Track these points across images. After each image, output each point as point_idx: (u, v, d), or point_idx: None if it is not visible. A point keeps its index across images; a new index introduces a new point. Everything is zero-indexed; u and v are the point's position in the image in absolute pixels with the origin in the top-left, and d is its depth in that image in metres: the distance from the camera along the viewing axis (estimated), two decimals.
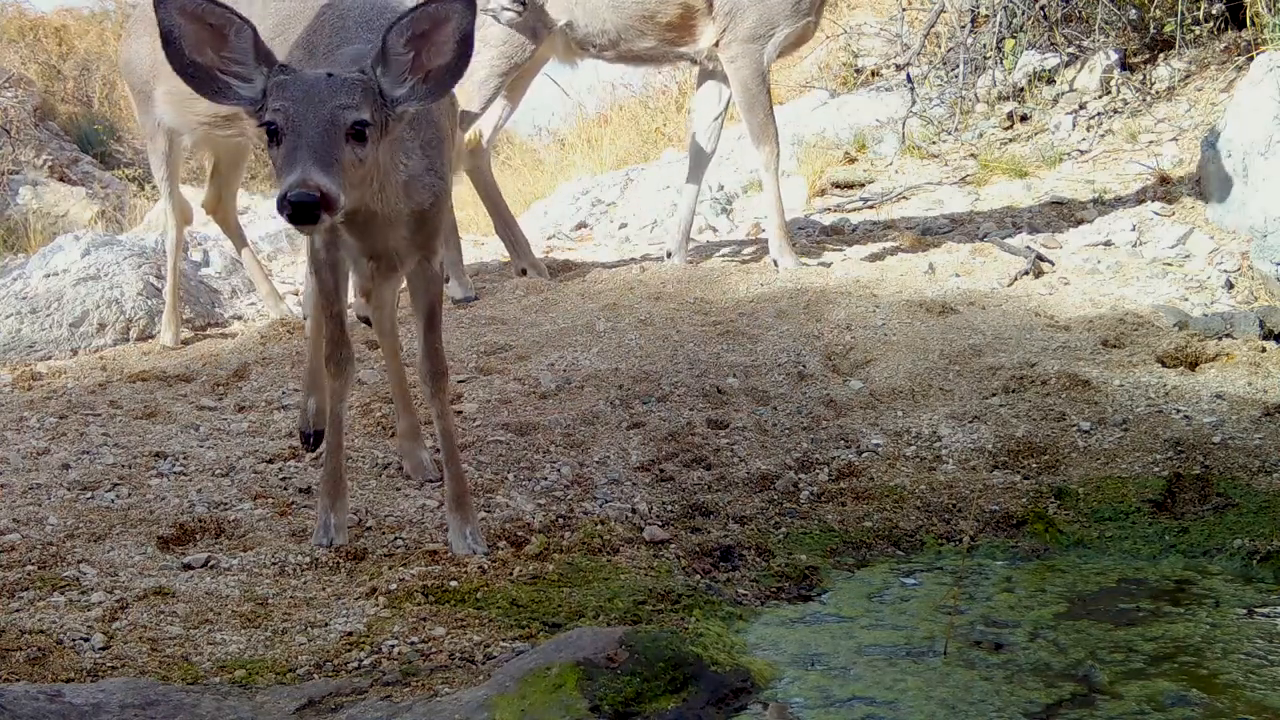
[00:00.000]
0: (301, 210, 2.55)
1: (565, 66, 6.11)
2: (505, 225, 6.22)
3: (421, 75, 2.81)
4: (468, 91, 5.75)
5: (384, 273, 3.20)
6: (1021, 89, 7.92)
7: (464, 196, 7.42)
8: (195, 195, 5.92)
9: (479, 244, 7.19)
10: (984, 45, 8.18)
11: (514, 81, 5.96)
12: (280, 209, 2.57)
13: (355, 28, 3.21)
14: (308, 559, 3.15)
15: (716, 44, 5.63)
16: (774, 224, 5.82)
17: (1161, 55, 7.66)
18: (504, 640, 2.70)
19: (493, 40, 5.74)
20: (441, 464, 3.34)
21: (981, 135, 7.79)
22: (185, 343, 5.49)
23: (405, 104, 2.80)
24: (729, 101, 5.91)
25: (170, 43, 2.58)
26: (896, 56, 9.13)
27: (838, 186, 7.49)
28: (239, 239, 5.88)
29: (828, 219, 6.90)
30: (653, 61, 5.95)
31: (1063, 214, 6.44)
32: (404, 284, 3.37)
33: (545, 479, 3.74)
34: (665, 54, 5.79)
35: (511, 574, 3.05)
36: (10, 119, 11.51)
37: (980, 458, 3.85)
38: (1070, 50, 7.99)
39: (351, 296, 3.55)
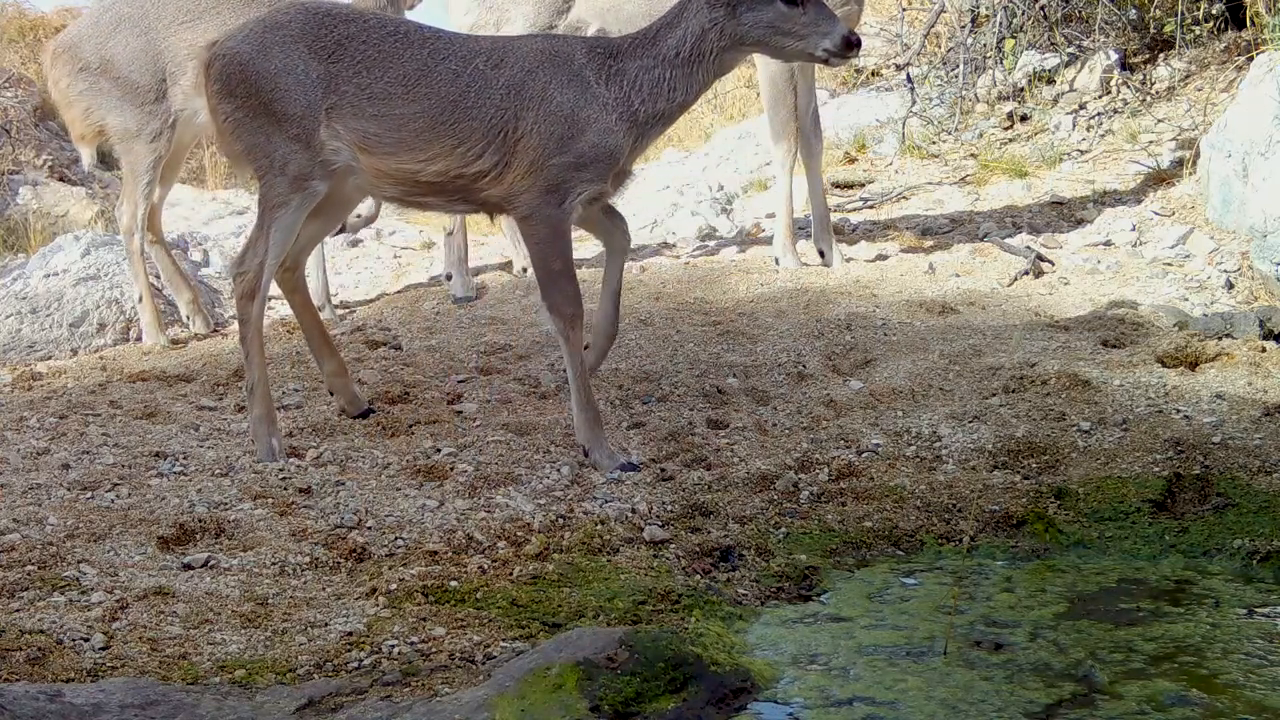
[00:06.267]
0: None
1: None
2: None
3: None
4: None
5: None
6: (1021, 89, 7.92)
7: None
8: (194, 195, 5.92)
9: (480, 244, 7.20)
10: (984, 45, 8.18)
11: None
12: (851, 45, 3.57)
13: None
14: (308, 559, 3.15)
15: None
16: (781, 223, 5.84)
17: (1161, 55, 7.67)
18: (504, 640, 2.70)
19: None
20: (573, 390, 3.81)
21: (981, 135, 7.79)
22: (182, 342, 5.49)
23: None
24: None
25: None
26: (896, 56, 9.13)
27: (838, 186, 7.49)
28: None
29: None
30: None
31: (1063, 214, 6.44)
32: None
33: (545, 479, 3.74)
34: None
35: (511, 574, 3.05)
36: (10, 119, 11.49)
37: (980, 458, 3.85)
38: (1070, 50, 7.99)
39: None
